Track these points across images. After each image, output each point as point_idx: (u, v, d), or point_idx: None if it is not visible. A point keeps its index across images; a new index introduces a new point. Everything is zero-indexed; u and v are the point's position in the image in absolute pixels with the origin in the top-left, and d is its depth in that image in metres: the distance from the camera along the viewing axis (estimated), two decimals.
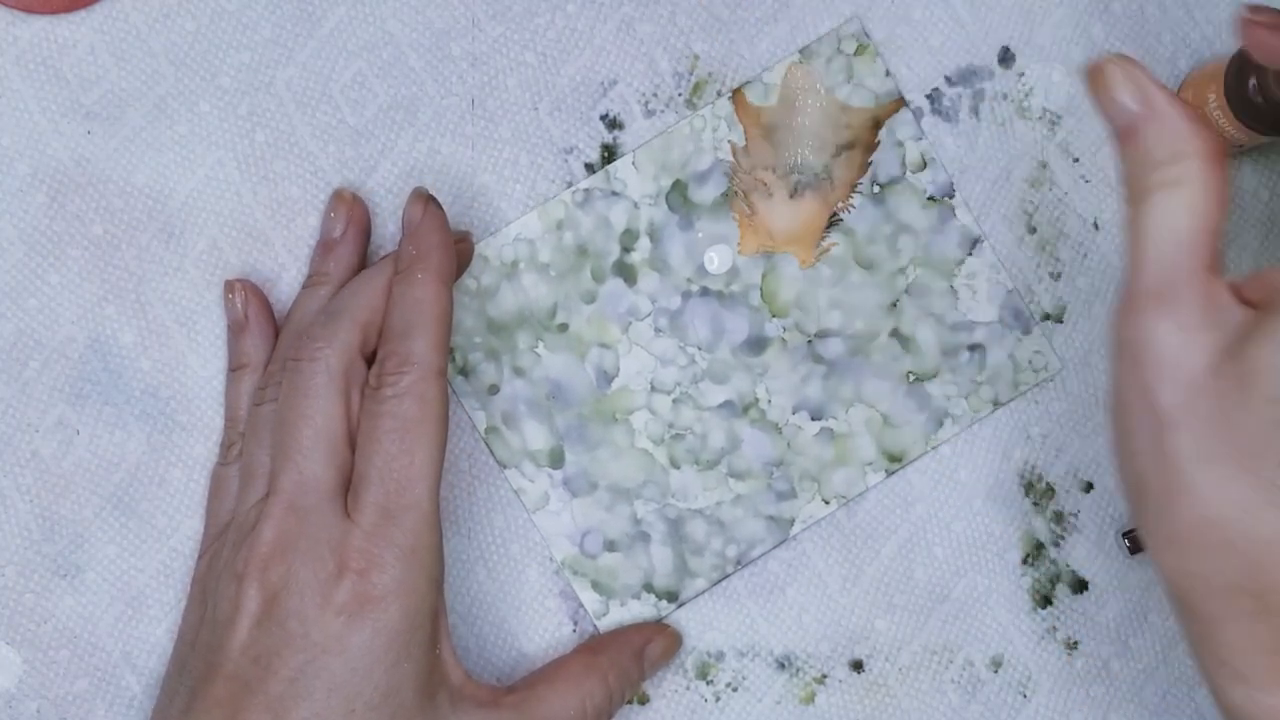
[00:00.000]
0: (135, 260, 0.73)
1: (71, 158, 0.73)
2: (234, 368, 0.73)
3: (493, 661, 0.74)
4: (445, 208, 0.74)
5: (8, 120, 0.73)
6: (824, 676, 0.75)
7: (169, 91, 0.73)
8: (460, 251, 0.73)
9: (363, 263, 0.73)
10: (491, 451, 0.74)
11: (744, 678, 0.75)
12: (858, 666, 0.75)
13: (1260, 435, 0.56)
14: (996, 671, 0.75)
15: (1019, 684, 0.75)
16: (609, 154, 0.74)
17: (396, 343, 0.68)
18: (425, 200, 0.69)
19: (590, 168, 0.74)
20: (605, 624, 0.75)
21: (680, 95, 0.74)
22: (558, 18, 0.74)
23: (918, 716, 0.75)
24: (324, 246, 0.73)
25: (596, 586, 0.74)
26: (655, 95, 0.74)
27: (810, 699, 0.75)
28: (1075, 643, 0.75)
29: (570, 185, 0.74)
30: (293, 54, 0.74)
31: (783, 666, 0.75)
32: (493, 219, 0.74)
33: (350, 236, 0.73)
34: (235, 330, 0.73)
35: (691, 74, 0.74)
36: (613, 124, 0.74)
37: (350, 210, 0.73)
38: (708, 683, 0.75)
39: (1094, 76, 0.61)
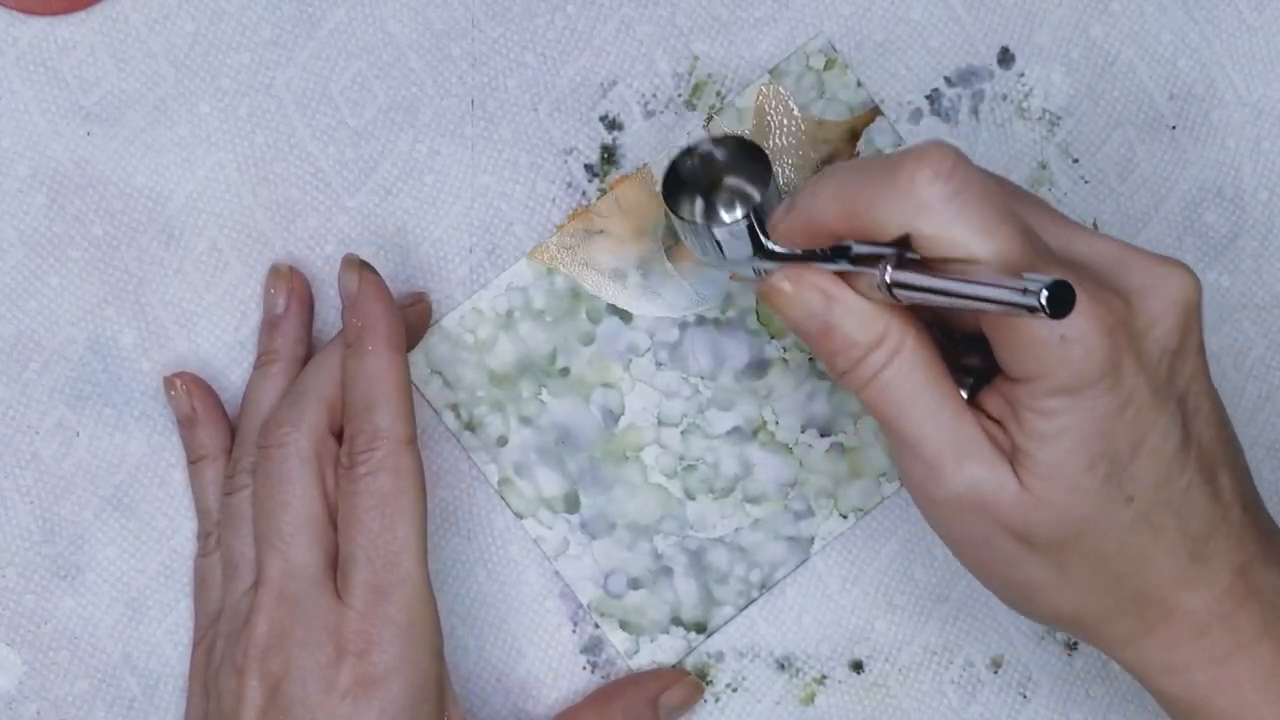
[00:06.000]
0: (135, 262, 0.74)
1: (71, 159, 0.73)
2: (193, 460, 0.73)
3: (492, 661, 0.74)
4: (445, 210, 0.74)
5: (8, 121, 0.73)
6: (824, 677, 0.75)
7: (169, 93, 0.73)
8: (417, 314, 0.73)
9: (309, 334, 0.73)
10: (507, 503, 0.74)
11: (744, 678, 0.75)
12: (858, 667, 0.75)
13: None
14: (996, 672, 0.75)
15: (1019, 684, 0.75)
16: (609, 155, 0.74)
17: (361, 420, 0.68)
18: (359, 267, 0.69)
19: (590, 169, 0.74)
20: (637, 662, 0.74)
21: (680, 96, 0.74)
22: (557, 18, 0.74)
23: (918, 717, 0.75)
24: (268, 324, 0.73)
25: (625, 626, 0.74)
26: (655, 96, 0.74)
27: (810, 700, 0.75)
28: (1075, 643, 0.75)
29: (570, 185, 0.74)
30: (292, 55, 0.74)
31: (783, 667, 0.75)
32: (493, 220, 0.74)
33: (293, 311, 0.73)
34: (186, 424, 0.73)
35: (691, 74, 0.74)
36: (612, 125, 0.74)
37: (289, 284, 0.73)
38: (707, 683, 0.75)
39: (769, 294, 0.64)
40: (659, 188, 0.69)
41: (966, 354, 0.65)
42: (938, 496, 0.63)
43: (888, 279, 0.61)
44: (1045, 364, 0.60)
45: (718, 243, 0.68)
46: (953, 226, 0.60)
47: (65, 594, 0.74)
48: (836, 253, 0.64)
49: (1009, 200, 0.61)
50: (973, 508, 0.63)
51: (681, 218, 0.68)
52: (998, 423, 0.63)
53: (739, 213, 0.67)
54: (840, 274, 0.63)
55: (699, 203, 0.69)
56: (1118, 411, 0.61)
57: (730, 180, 0.68)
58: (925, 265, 0.61)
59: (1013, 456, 0.62)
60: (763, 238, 0.66)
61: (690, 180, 0.69)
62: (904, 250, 0.61)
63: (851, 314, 0.63)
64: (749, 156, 0.68)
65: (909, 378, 0.63)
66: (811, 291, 0.63)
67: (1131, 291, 0.62)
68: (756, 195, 0.67)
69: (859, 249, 0.63)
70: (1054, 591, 0.64)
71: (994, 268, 0.59)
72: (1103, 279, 0.62)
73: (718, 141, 0.68)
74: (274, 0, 0.73)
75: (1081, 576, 0.63)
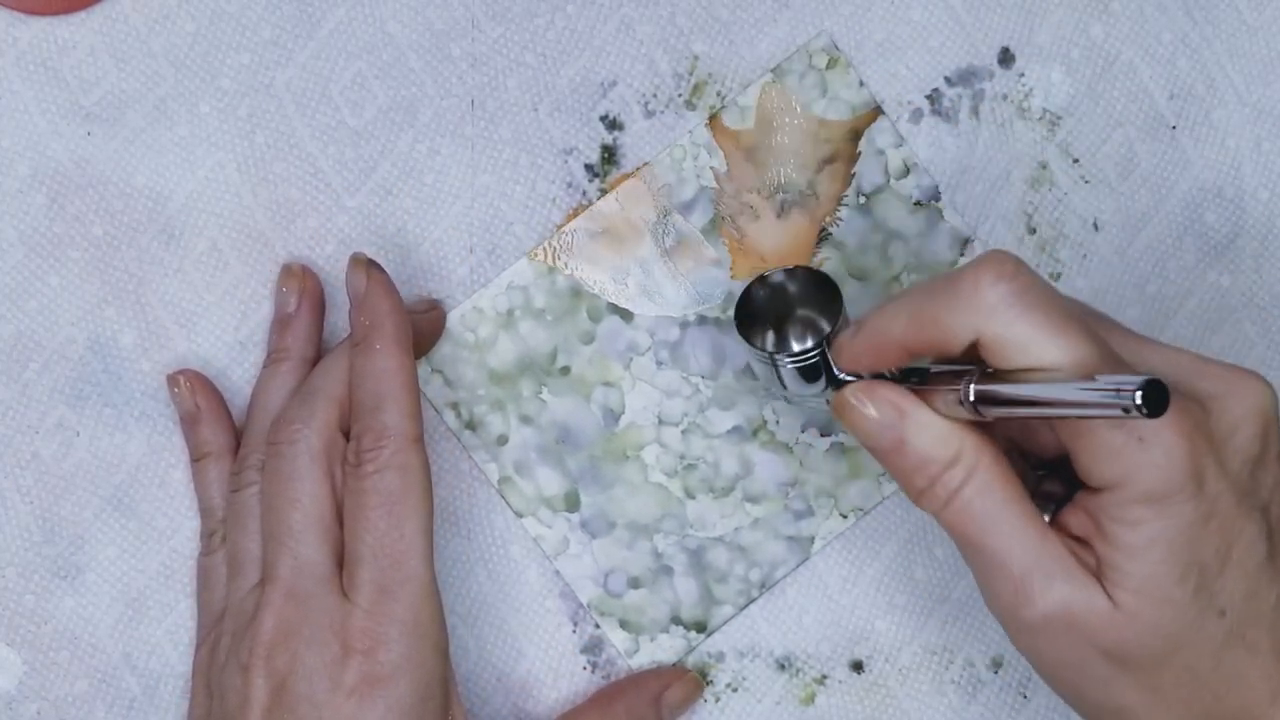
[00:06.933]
0: (135, 261, 0.74)
1: (71, 159, 0.73)
2: (197, 458, 0.73)
3: (493, 662, 0.74)
4: (445, 210, 0.74)
5: (8, 121, 0.73)
6: (824, 677, 0.75)
7: (169, 93, 0.73)
8: (431, 320, 0.73)
9: (320, 334, 0.73)
10: (507, 502, 0.74)
11: (744, 678, 0.75)
12: (858, 667, 0.75)
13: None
14: (997, 672, 0.75)
15: (1019, 684, 0.75)
16: (609, 155, 0.74)
17: (369, 418, 0.68)
18: (366, 266, 0.69)
19: (590, 169, 0.74)
20: (637, 661, 0.74)
21: (680, 96, 0.74)
22: (557, 18, 0.74)
23: (918, 717, 0.75)
24: (279, 323, 0.73)
25: (625, 625, 0.74)
26: (655, 96, 0.74)
27: (810, 700, 0.75)
28: None
29: (570, 185, 0.74)
30: (292, 55, 0.74)
31: (783, 667, 0.75)
32: (493, 220, 0.74)
33: (305, 309, 0.73)
34: (189, 421, 0.73)
35: (691, 74, 0.74)
36: (613, 125, 0.74)
37: (302, 283, 0.73)
38: (708, 683, 0.75)
39: (840, 410, 0.64)
40: (732, 315, 0.69)
41: (1045, 480, 0.64)
42: (1028, 618, 0.62)
43: (971, 395, 0.60)
44: (1126, 469, 0.60)
45: (783, 373, 0.68)
46: (1018, 325, 0.59)
47: (65, 594, 0.74)
48: (909, 374, 0.64)
49: (1074, 306, 0.61)
50: (1064, 629, 0.62)
51: (755, 346, 0.68)
52: (1081, 541, 0.62)
53: (809, 343, 0.67)
54: (915, 392, 0.63)
55: (769, 335, 0.69)
56: (1203, 520, 0.60)
57: (801, 312, 0.68)
58: (1005, 377, 0.60)
59: (1100, 573, 0.61)
60: (835, 369, 0.66)
61: (760, 311, 0.69)
62: (985, 366, 0.61)
63: (925, 430, 0.62)
64: (819, 288, 0.68)
65: (989, 496, 0.62)
66: (885, 406, 0.63)
67: (1209, 398, 0.61)
68: (826, 327, 0.67)
69: (936, 369, 0.63)
70: (1150, 715, 0.63)
71: (1067, 372, 0.59)
72: (1176, 388, 0.61)
73: (789, 273, 0.68)
74: (274, 0, 0.73)
75: (1178, 698, 0.62)
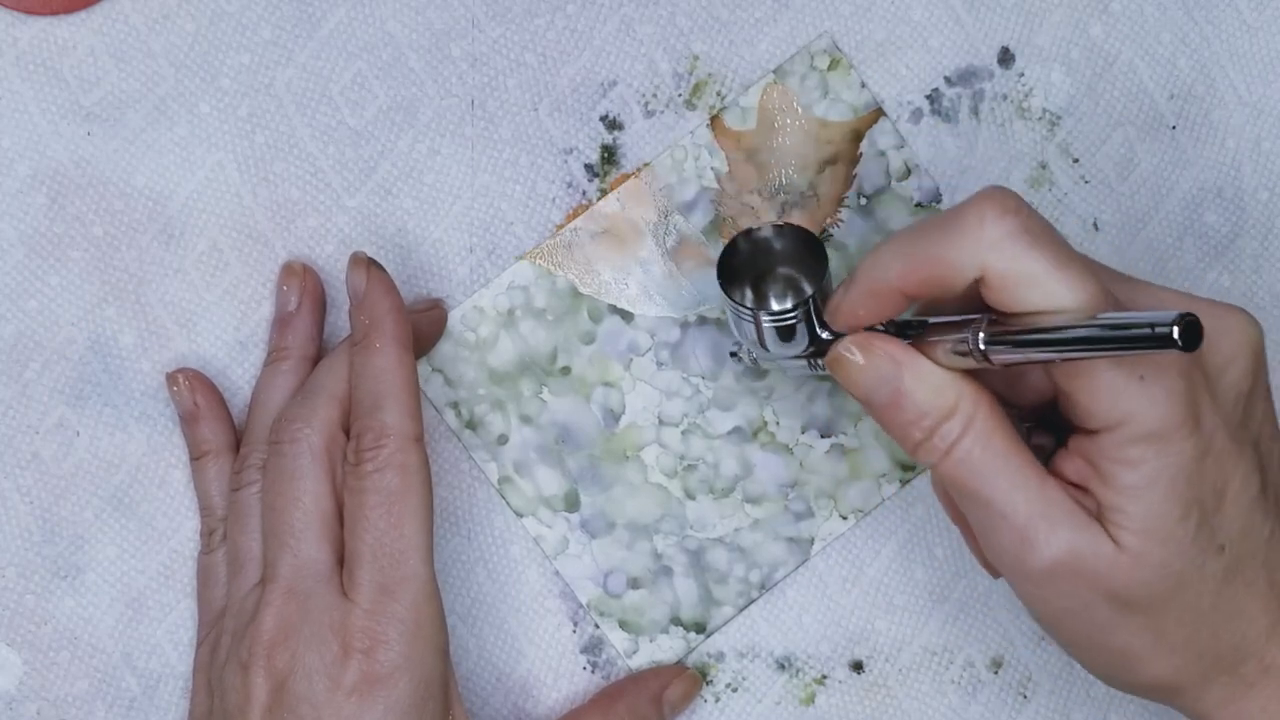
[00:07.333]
0: (135, 261, 0.74)
1: (71, 159, 0.73)
2: (196, 457, 0.73)
3: (493, 662, 0.74)
4: (445, 210, 0.74)
5: (8, 121, 0.73)
6: (824, 677, 0.75)
7: (169, 93, 0.73)
8: (432, 319, 0.73)
9: (321, 332, 0.73)
10: (507, 502, 0.74)
11: (744, 678, 0.75)
12: (858, 667, 0.75)
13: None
14: (997, 672, 0.75)
15: (1019, 684, 0.75)
16: (609, 155, 0.74)
17: (368, 417, 0.68)
18: (367, 265, 0.69)
19: (590, 169, 0.74)
20: (636, 662, 0.74)
21: (680, 96, 0.74)
22: (558, 18, 0.74)
23: (918, 717, 0.75)
24: (280, 321, 0.73)
25: (624, 625, 0.74)
26: (655, 96, 0.74)
27: (810, 700, 0.75)
28: None
29: (570, 185, 0.74)
30: (292, 55, 0.74)
31: (783, 667, 0.75)
32: (493, 220, 0.74)
33: (305, 308, 0.73)
34: (189, 420, 0.73)
35: (691, 74, 0.74)
36: (613, 125, 0.74)
37: (302, 282, 0.73)
38: (707, 683, 0.75)
39: (835, 364, 0.63)
40: (714, 267, 0.68)
41: (1034, 433, 0.64)
42: (1033, 566, 0.61)
43: (981, 341, 0.60)
44: (1127, 409, 0.60)
45: (761, 331, 0.67)
46: (1025, 260, 0.59)
47: (65, 594, 0.74)
48: (903, 329, 0.63)
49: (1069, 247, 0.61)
50: (1070, 575, 0.61)
51: (735, 301, 0.67)
52: (1078, 487, 0.62)
53: (789, 303, 0.67)
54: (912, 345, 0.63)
55: (748, 291, 0.68)
56: (1200, 457, 0.60)
57: (784, 270, 0.68)
58: (1014, 321, 0.60)
59: (1101, 516, 0.61)
60: (818, 327, 0.66)
61: (743, 266, 0.68)
62: (989, 314, 0.61)
63: (923, 380, 0.62)
64: (806, 248, 0.67)
65: (988, 446, 0.61)
66: (881, 358, 0.62)
67: None
68: (809, 288, 0.67)
69: (933, 320, 0.63)
70: (1153, 657, 0.63)
71: (1076, 311, 0.59)
72: None
73: (778, 229, 0.68)
74: (274, 0, 0.73)
75: (1179, 638, 0.62)
